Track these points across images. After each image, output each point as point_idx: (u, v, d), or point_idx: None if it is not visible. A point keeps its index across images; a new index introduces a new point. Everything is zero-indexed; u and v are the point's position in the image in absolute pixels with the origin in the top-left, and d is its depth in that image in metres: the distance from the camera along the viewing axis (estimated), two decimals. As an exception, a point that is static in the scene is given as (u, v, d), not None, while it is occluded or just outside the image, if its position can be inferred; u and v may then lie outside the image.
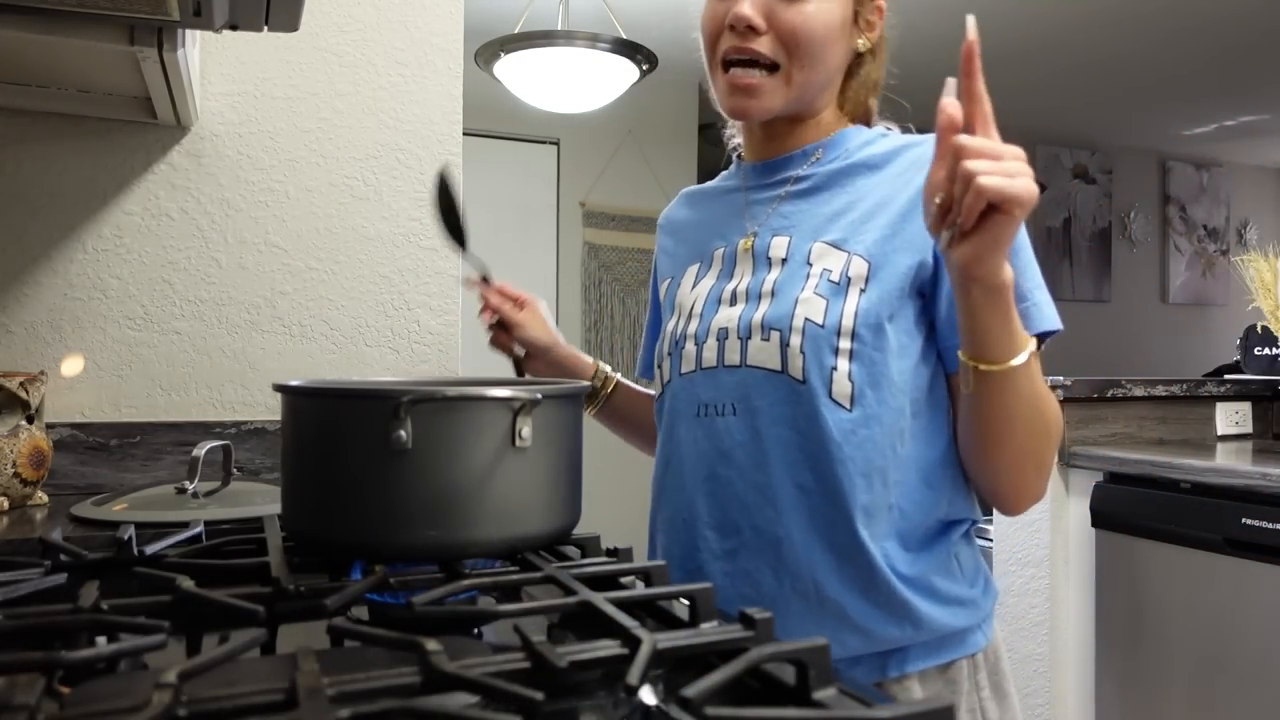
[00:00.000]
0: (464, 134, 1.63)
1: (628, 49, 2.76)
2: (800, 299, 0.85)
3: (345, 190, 1.54)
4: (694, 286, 0.97)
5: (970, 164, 0.67)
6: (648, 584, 0.70)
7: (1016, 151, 0.70)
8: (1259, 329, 2.47)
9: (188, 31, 1.03)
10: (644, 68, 2.86)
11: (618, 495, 4.50)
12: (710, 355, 0.90)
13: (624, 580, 0.72)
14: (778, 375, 0.85)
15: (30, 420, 1.19)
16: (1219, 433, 2.38)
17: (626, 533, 0.89)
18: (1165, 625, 1.87)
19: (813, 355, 0.83)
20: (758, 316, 0.87)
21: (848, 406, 0.83)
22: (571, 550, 0.82)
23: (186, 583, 0.64)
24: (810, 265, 0.87)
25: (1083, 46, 4.28)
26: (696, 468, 0.90)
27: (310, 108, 1.53)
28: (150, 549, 0.80)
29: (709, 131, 5.25)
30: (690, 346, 0.92)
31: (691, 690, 0.44)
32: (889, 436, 0.84)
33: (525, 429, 0.74)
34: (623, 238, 4.59)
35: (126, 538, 0.79)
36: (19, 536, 1.02)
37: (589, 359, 1.17)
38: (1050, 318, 0.84)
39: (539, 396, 0.74)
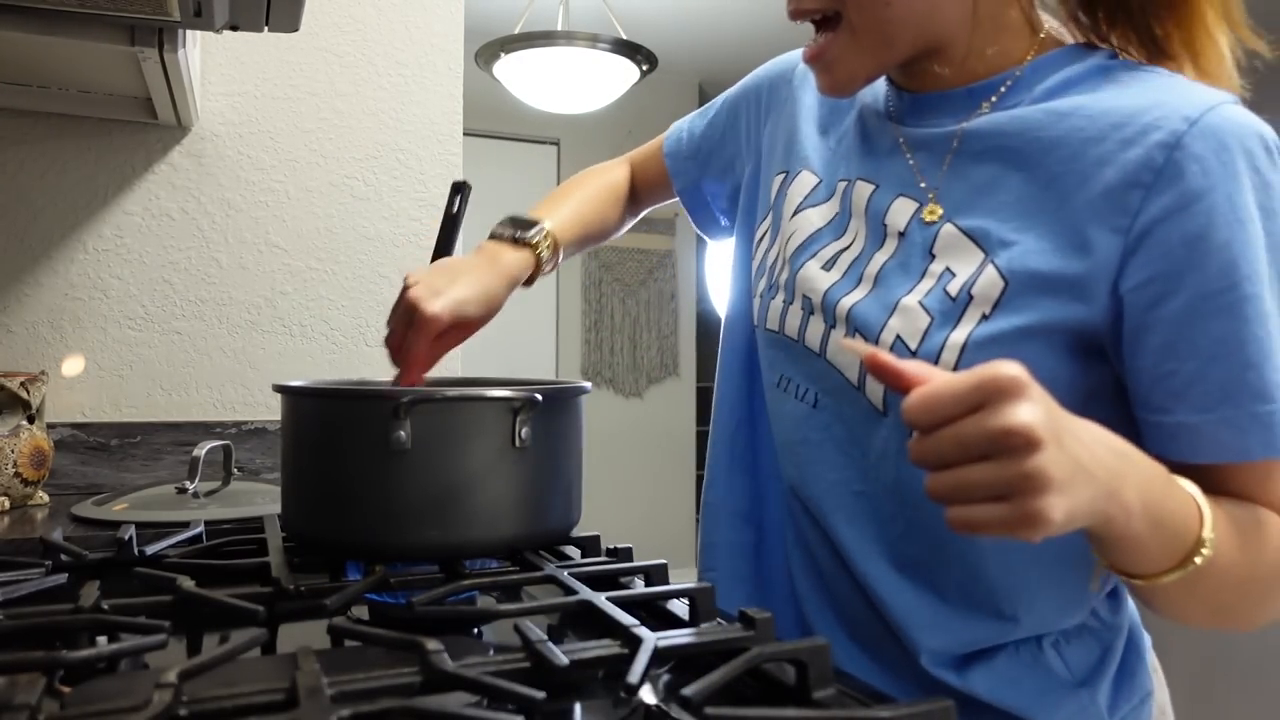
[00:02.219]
0: (464, 134, 1.63)
1: (628, 49, 2.77)
2: (901, 305, 0.65)
3: (345, 190, 1.54)
4: (799, 210, 0.76)
5: (932, 484, 0.47)
6: (648, 583, 0.70)
7: (993, 435, 0.44)
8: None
9: (188, 32, 1.03)
10: (644, 68, 2.86)
11: (617, 495, 4.50)
12: (793, 324, 0.72)
13: (624, 580, 0.72)
14: (855, 391, 0.67)
15: (31, 420, 1.19)
16: (1219, 433, 2.38)
17: (626, 533, 0.89)
18: (1165, 625, 1.87)
19: None
20: (847, 303, 0.68)
21: None
22: (571, 550, 0.82)
23: (187, 583, 0.64)
24: (933, 257, 0.65)
25: (1083, 46, 4.27)
26: (781, 443, 0.76)
27: (310, 108, 1.53)
28: (151, 549, 0.80)
29: (709, 131, 5.25)
30: (779, 301, 0.74)
31: (691, 690, 0.45)
32: None
33: (525, 429, 0.74)
34: (622, 238, 4.60)
35: (127, 538, 0.79)
36: (20, 536, 1.02)
37: (513, 254, 0.86)
38: (1258, 443, 0.57)
39: (538, 397, 0.74)
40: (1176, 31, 0.64)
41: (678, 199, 0.98)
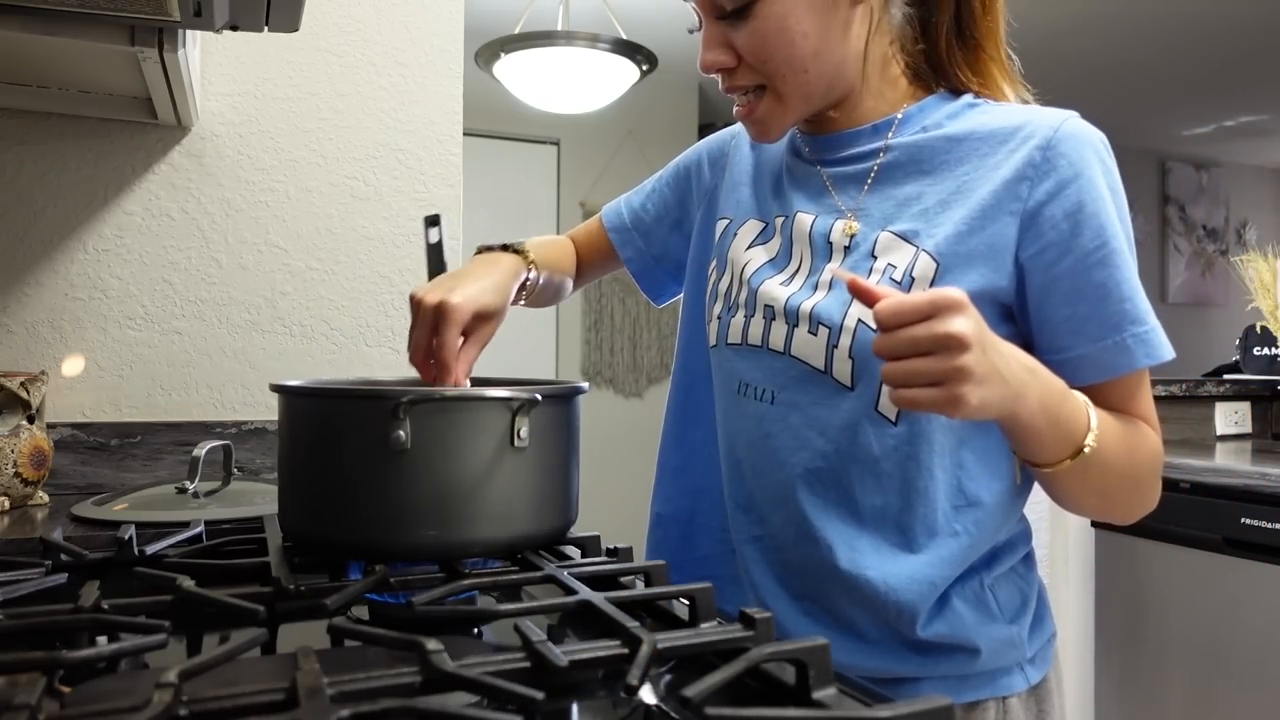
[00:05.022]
0: (464, 134, 1.63)
1: (628, 49, 2.77)
2: None
3: (345, 190, 1.55)
4: (749, 248, 0.89)
5: (887, 370, 0.63)
6: (648, 584, 0.70)
7: (936, 337, 0.60)
8: (1258, 329, 2.47)
9: (188, 32, 1.03)
10: (644, 68, 2.86)
11: (618, 495, 4.50)
12: (756, 332, 0.83)
13: (624, 580, 0.72)
14: (821, 375, 0.78)
15: (31, 420, 1.19)
16: (1218, 432, 2.38)
17: (626, 533, 0.89)
18: (1165, 625, 1.87)
19: (862, 361, 0.76)
20: (808, 305, 0.79)
21: (893, 421, 0.76)
22: (571, 550, 0.82)
23: (187, 582, 0.64)
24: (875, 258, 0.79)
25: (1082, 48, 4.28)
26: (731, 446, 0.86)
27: (310, 108, 1.53)
28: (151, 549, 0.80)
29: (709, 131, 5.25)
30: (739, 317, 0.85)
31: (691, 690, 0.45)
32: (939, 458, 0.77)
33: (523, 429, 0.74)
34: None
35: (127, 537, 0.79)
36: (20, 536, 1.02)
37: (506, 256, 0.93)
38: (1142, 355, 0.75)
39: (537, 397, 0.74)
40: (975, 79, 0.84)
41: (624, 269, 1.08)
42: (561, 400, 0.79)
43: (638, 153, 4.62)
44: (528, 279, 0.94)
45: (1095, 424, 0.72)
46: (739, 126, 0.95)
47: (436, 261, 0.92)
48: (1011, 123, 0.79)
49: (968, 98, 0.83)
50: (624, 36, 2.85)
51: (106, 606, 0.60)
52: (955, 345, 0.60)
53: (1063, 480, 0.73)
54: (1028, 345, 0.78)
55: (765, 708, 0.47)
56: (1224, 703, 1.75)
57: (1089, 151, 0.76)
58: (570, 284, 1.08)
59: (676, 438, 0.96)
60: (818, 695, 0.49)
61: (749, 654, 0.50)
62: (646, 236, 1.05)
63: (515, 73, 2.85)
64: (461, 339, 0.82)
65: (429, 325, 0.81)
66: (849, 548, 0.78)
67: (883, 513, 0.78)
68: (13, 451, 1.15)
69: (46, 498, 1.23)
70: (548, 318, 4.53)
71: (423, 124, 1.59)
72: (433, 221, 0.93)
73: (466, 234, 1.53)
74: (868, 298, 0.63)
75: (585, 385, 0.84)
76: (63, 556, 0.77)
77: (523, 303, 0.98)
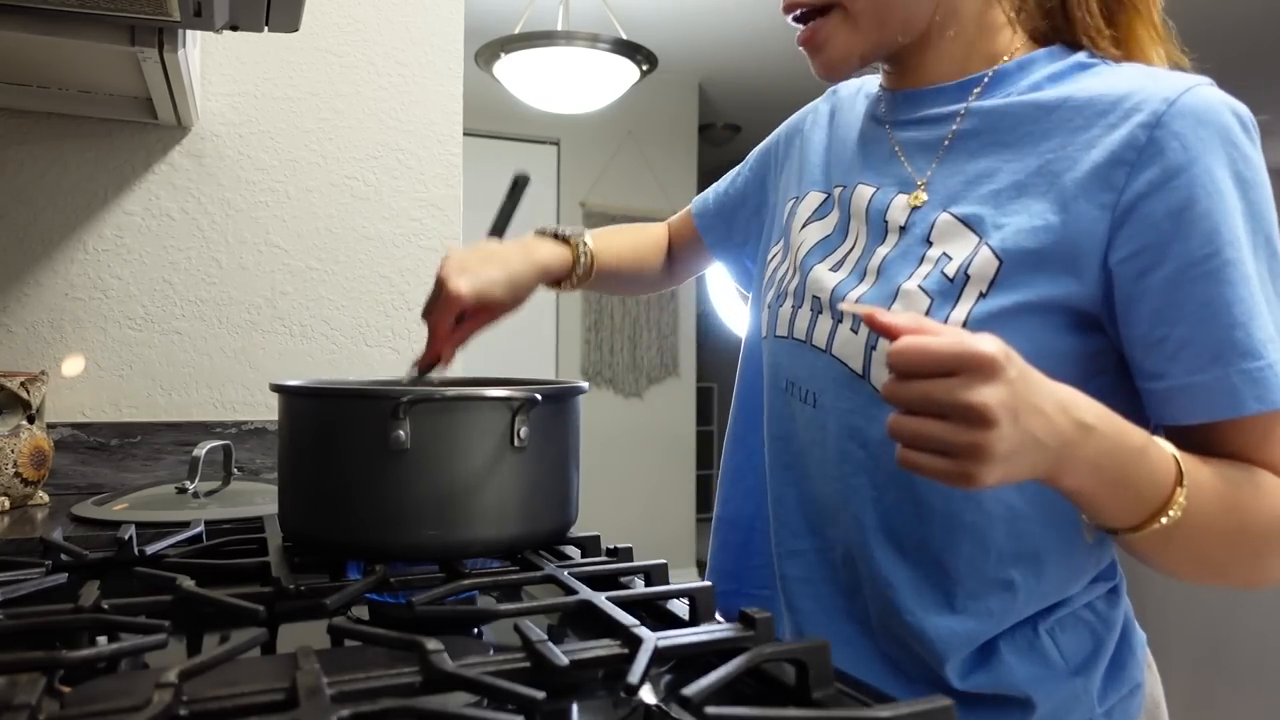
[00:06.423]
0: (464, 134, 1.63)
1: (628, 49, 2.77)
2: (902, 290, 0.67)
3: (345, 190, 1.54)
4: (804, 226, 0.80)
5: (893, 423, 0.52)
6: (648, 583, 0.70)
7: (956, 405, 0.49)
8: (1259, 329, 2.47)
9: (188, 32, 1.03)
10: (644, 68, 2.86)
11: (618, 495, 4.50)
12: (801, 325, 0.75)
13: (624, 580, 0.72)
14: (860, 380, 0.69)
15: (31, 420, 1.19)
16: (1219, 433, 2.38)
17: (626, 533, 0.89)
18: (1165, 625, 1.87)
19: None
20: (851, 297, 0.71)
21: None
22: (571, 550, 0.82)
23: (187, 582, 0.64)
24: (930, 244, 0.68)
25: (1083, 46, 4.27)
26: (775, 449, 0.79)
27: (310, 108, 1.53)
28: (151, 549, 0.80)
29: (709, 131, 5.25)
30: (787, 306, 0.77)
31: (691, 690, 0.45)
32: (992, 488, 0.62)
33: (523, 429, 0.74)
34: (623, 238, 4.60)
35: (127, 537, 0.79)
36: (20, 536, 1.02)
37: (551, 247, 0.92)
38: (1250, 397, 0.59)
39: (537, 397, 0.74)
40: (1124, 43, 0.70)
41: (715, 262, 1.03)
42: (561, 400, 0.79)
43: (638, 153, 4.62)
44: (575, 268, 0.92)
45: (1186, 486, 0.57)
46: (819, 102, 0.88)
47: (501, 221, 0.93)
48: (1118, 90, 0.63)
49: (1080, 56, 0.68)
50: (624, 36, 2.86)
51: (106, 606, 0.60)
52: (977, 419, 0.48)
53: (1138, 548, 0.60)
54: (1122, 360, 0.65)
55: (765, 708, 0.47)
56: (1224, 703, 1.75)
57: (1211, 132, 0.60)
58: (656, 273, 1.05)
59: (737, 437, 0.89)
60: (818, 695, 0.49)
61: (749, 654, 0.50)
62: (729, 222, 0.98)
63: (515, 73, 2.85)
64: (460, 321, 0.84)
65: (435, 296, 0.82)
66: (884, 582, 0.69)
67: (923, 546, 0.68)
68: (13, 451, 1.15)
69: (46, 498, 1.23)
70: (548, 318, 4.53)
71: (423, 124, 1.59)
72: (516, 181, 0.94)
73: (466, 234, 1.53)
74: (887, 334, 0.52)
75: (585, 385, 0.84)
76: (63, 556, 0.77)
77: (575, 289, 0.95)
